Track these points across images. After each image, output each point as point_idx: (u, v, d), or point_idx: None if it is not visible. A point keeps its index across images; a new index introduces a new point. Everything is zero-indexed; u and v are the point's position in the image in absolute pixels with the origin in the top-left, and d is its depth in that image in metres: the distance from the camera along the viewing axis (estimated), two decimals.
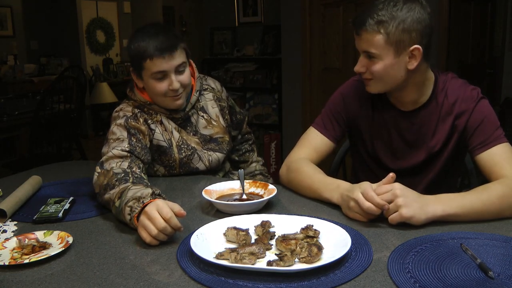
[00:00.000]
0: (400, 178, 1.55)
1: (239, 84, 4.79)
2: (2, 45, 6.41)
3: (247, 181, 1.43)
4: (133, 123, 1.52)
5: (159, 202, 1.10)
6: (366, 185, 1.17)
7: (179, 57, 1.50)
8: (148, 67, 1.48)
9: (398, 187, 1.13)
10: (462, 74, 1.57)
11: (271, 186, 1.36)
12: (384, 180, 1.18)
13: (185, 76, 1.54)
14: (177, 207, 1.10)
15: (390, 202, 1.12)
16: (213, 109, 1.70)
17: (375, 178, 1.57)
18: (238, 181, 1.43)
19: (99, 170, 1.35)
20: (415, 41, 1.29)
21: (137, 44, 1.48)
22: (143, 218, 1.08)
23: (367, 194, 1.14)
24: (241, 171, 1.46)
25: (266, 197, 1.29)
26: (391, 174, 1.17)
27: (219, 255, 0.98)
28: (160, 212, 1.07)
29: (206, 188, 1.36)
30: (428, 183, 1.50)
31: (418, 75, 1.36)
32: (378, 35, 1.28)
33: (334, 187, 1.30)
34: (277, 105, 4.68)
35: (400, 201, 1.11)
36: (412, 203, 1.11)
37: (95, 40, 7.64)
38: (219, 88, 1.77)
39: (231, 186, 1.42)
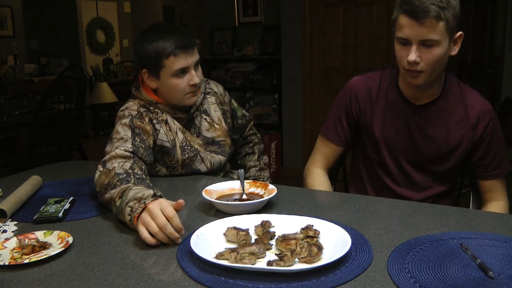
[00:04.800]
0: (401, 177, 1.55)
1: (239, 84, 4.79)
2: (2, 45, 6.42)
3: (247, 181, 1.43)
4: (138, 122, 1.51)
5: (163, 201, 1.11)
6: None
7: (196, 54, 1.52)
8: (170, 65, 1.48)
9: None
10: (462, 74, 1.57)
11: (271, 186, 1.36)
12: None
13: (200, 72, 1.57)
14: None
15: None
16: (215, 113, 1.71)
17: (375, 176, 1.58)
18: (238, 181, 1.43)
19: (101, 169, 1.35)
20: (459, 27, 1.33)
21: (155, 43, 1.47)
22: (144, 215, 1.08)
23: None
24: (241, 171, 1.46)
25: (266, 197, 1.29)
26: None
27: (219, 255, 0.98)
28: (163, 211, 1.07)
29: (206, 188, 1.36)
30: (430, 182, 1.53)
31: None
32: (441, 21, 1.27)
33: None
34: (277, 105, 4.67)
35: None
36: None
37: (95, 40, 7.65)
38: (222, 92, 1.76)
39: (231, 186, 1.42)
